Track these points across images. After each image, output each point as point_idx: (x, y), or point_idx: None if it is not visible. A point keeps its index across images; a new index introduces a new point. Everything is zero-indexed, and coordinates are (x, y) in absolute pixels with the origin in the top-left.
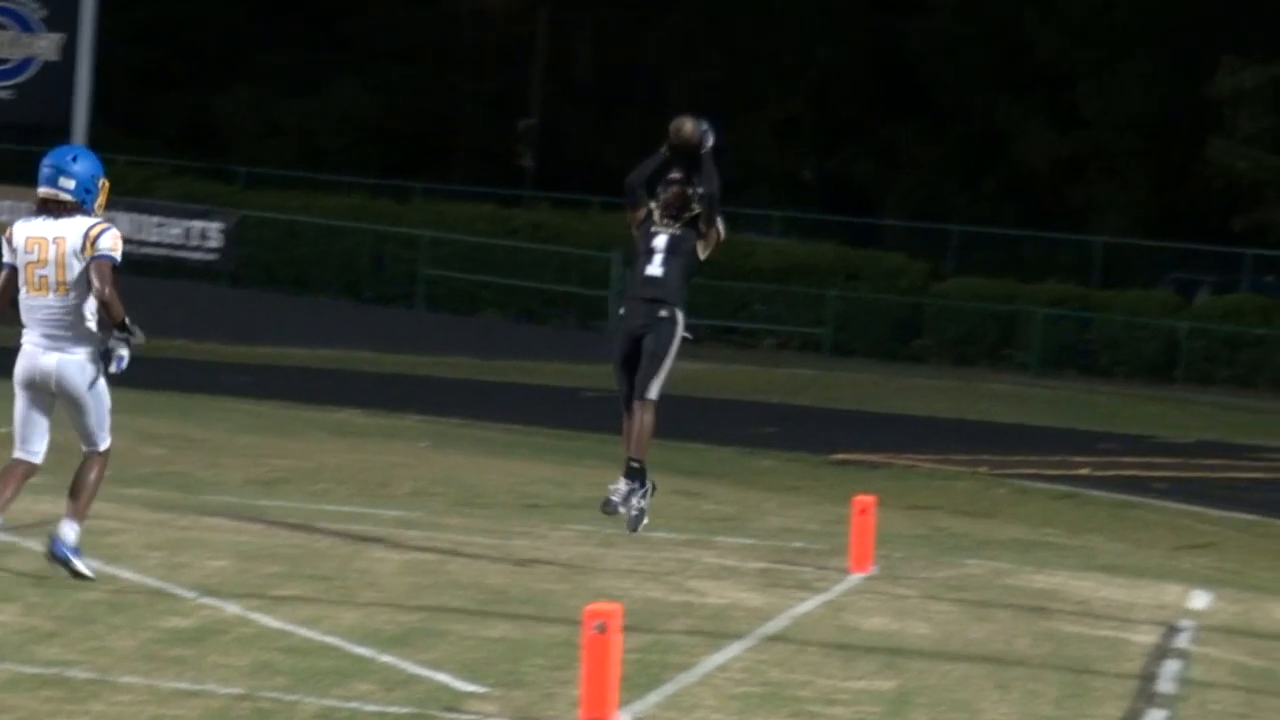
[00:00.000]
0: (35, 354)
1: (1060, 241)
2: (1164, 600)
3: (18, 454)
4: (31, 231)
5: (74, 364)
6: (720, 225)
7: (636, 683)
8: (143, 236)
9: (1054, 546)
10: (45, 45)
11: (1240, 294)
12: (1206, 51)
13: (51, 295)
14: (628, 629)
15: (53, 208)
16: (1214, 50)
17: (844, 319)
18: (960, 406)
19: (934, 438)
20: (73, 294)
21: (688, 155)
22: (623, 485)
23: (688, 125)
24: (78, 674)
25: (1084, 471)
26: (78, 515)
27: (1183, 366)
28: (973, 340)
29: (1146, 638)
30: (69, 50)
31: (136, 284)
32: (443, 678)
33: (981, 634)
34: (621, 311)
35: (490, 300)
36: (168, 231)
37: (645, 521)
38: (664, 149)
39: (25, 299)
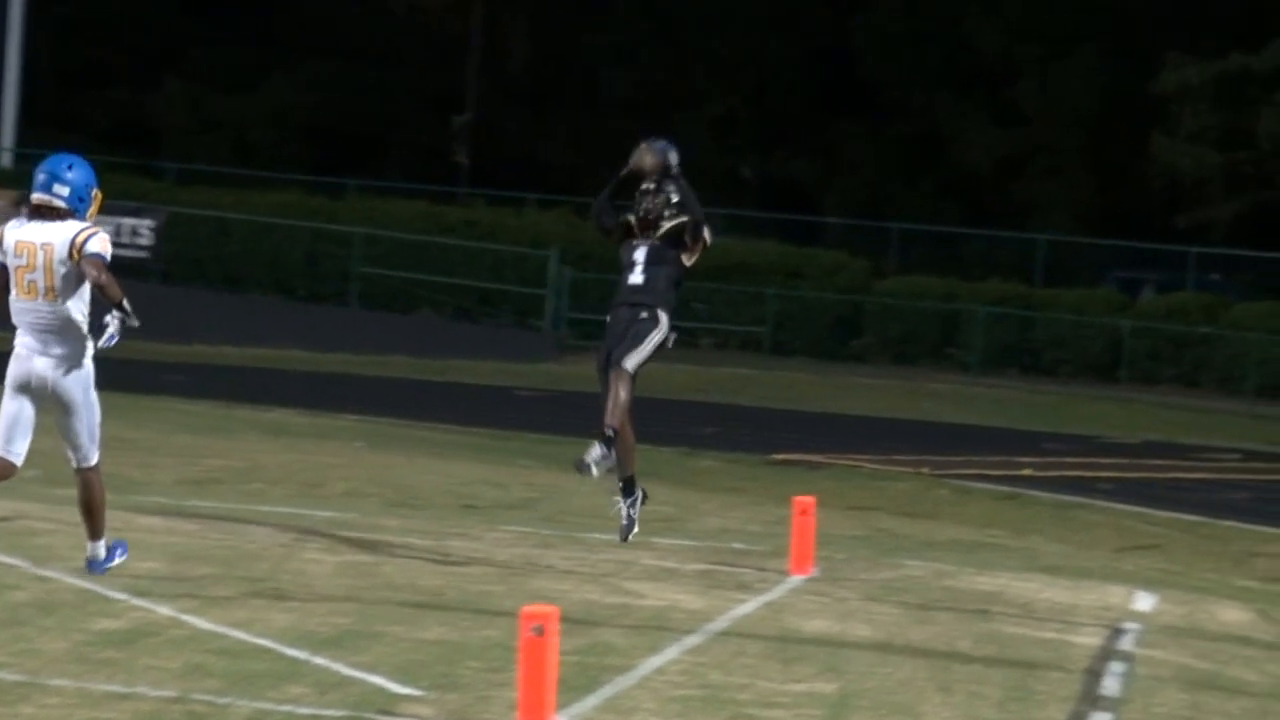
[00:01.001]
0: (29, 358)
1: (1002, 239)
2: (1108, 602)
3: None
4: (21, 236)
5: (67, 367)
6: (707, 235)
7: (574, 685)
8: None
9: (997, 548)
10: None
11: (1184, 292)
12: (1150, 48)
13: (41, 300)
14: (565, 631)
15: (46, 213)
16: (1158, 47)
17: (784, 318)
18: (901, 406)
19: (875, 438)
20: (62, 299)
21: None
22: (597, 449)
23: (647, 159)
24: (6, 676)
25: (1027, 472)
26: (97, 533)
27: (1127, 366)
28: (914, 339)
29: (1091, 640)
30: None
31: None
32: (377, 680)
33: (923, 636)
34: (608, 319)
35: (425, 298)
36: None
37: (635, 530)
38: (624, 171)
39: (15, 302)
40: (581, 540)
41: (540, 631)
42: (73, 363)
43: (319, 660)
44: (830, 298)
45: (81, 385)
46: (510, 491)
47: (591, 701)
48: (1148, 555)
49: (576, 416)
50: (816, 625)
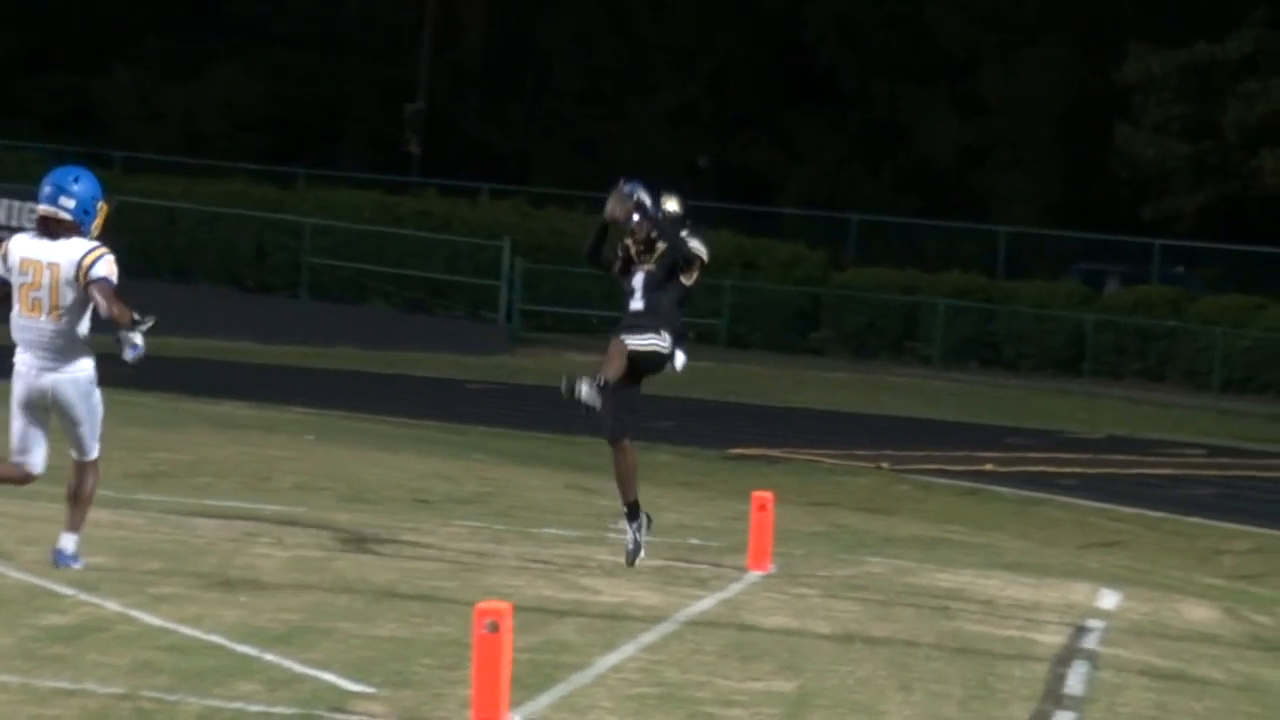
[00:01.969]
0: (30, 375)
1: (963, 231)
2: (1071, 599)
3: (15, 459)
4: (26, 252)
5: (69, 382)
6: (703, 252)
7: (528, 683)
8: (18, 223)
9: (958, 544)
10: None
11: (1149, 285)
12: (1114, 37)
13: (44, 318)
14: (519, 628)
15: (51, 226)
16: (1122, 36)
17: (740, 310)
18: (861, 400)
19: (834, 432)
20: (66, 318)
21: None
22: (589, 389)
23: (617, 210)
24: None
25: (989, 467)
26: (75, 526)
27: (1090, 359)
28: (873, 332)
29: (1054, 638)
30: None
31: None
32: (329, 677)
33: (884, 634)
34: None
35: (376, 289)
36: None
37: (643, 555)
38: (600, 221)
39: (17, 318)
40: (535, 535)
41: (494, 628)
42: (74, 374)
43: (269, 657)
44: (788, 290)
45: (83, 395)
46: (463, 486)
47: (546, 700)
48: (1112, 552)
49: (529, 409)
50: (775, 622)
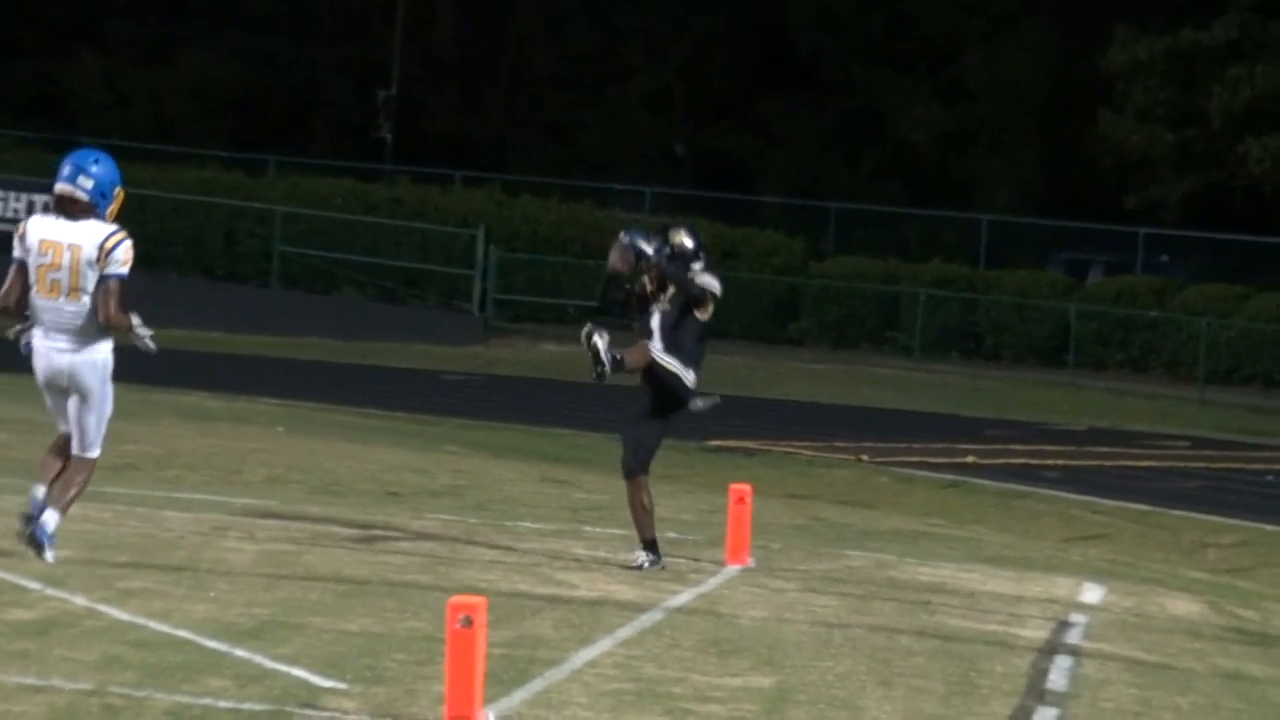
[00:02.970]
0: (49, 354)
1: (944, 219)
2: (1054, 594)
3: (61, 429)
4: (46, 234)
5: (87, 364)
6: (714, 287)
7: (503, 679)
8: None
9: (939, 538)
10: None
11: (1133, 275)
12: (1098, 22)
13: (63, 299)
14: (493, 622)
15: (67, 206)
16: (1106, 21)
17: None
18: (840, 391)
19: (813, 424)
20: (86, 298)
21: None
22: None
23: (619, 264)
24: None
25: (970, 459)
26: (62, 506)
27: (1073, 350)
28: (853, 322)
29: (1036, 633)
30: None
31: None
32: (300, 673)
33: (863, 628)
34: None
35: (348, 278)
36: (10, 205)
37: (638, 572)
38: (606, 274)
39: (36, 298)
40: (510, 529)
41: (468, 623)
42: (93, 354)
43: (239, 652)
44: (766, 279)
45: (100, 375)
46: (436, 478)
47: (521, 695)
48: (1095, 545)
49: (504, 401)
50: (753, 617)
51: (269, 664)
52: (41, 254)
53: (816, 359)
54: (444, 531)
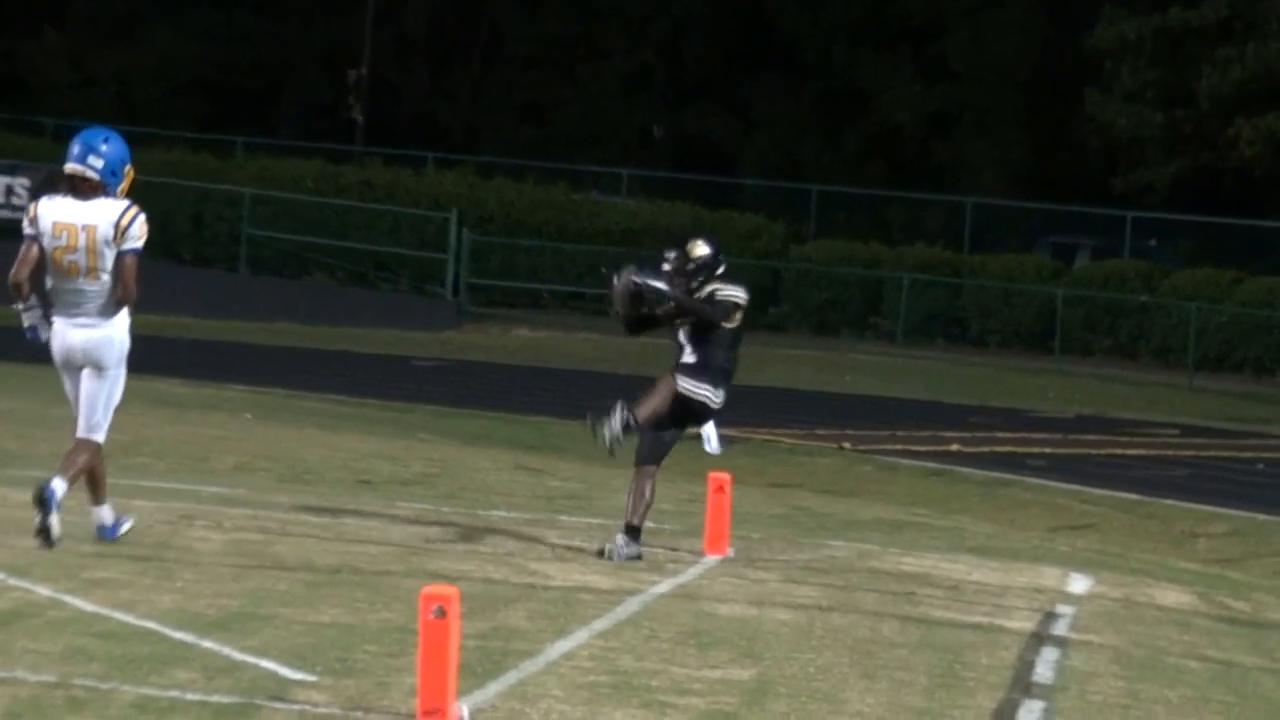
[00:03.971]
0: (65, 333)
1: (928, 202)
2: (1041, 584)
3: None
4: (59, 215)
5: (103, 339)
6: (739, 297)
7: (477, 671)
8: None
9: (923, 527)
10: None
11: (1121, 259)
12: (1085, 1)
13: (81, 279)
14: (467, 614)
15: (78, 185)
16: None
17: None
18: (822, 378)
19: (795, 411)
20: (104, 277)
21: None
22: (618, 425)
23: (623, 309)
24: None
25: (955, 447)
26: (69, 476)
27: (1060, 336)
28: (835, 308)
29: (1022, 624)
30: None
31: None
32: (269, 665)
33: (846, 620)
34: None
35: (318, 262)
36: None
37: (614, 561)
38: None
39: (55, 280)
40: (484, 518)
41: (441, 614)
42: (112, 330)
43: (207, 644)
44: (747, 263)
45: (117, 354)
46: (408, 466)
47: (495, 688)
48: (1082, 535)
49: (477, 387)
50: (733, 608)
51: (237, 655)
52: (55, 237)
53: (798, 345)
54: (416, 520)
